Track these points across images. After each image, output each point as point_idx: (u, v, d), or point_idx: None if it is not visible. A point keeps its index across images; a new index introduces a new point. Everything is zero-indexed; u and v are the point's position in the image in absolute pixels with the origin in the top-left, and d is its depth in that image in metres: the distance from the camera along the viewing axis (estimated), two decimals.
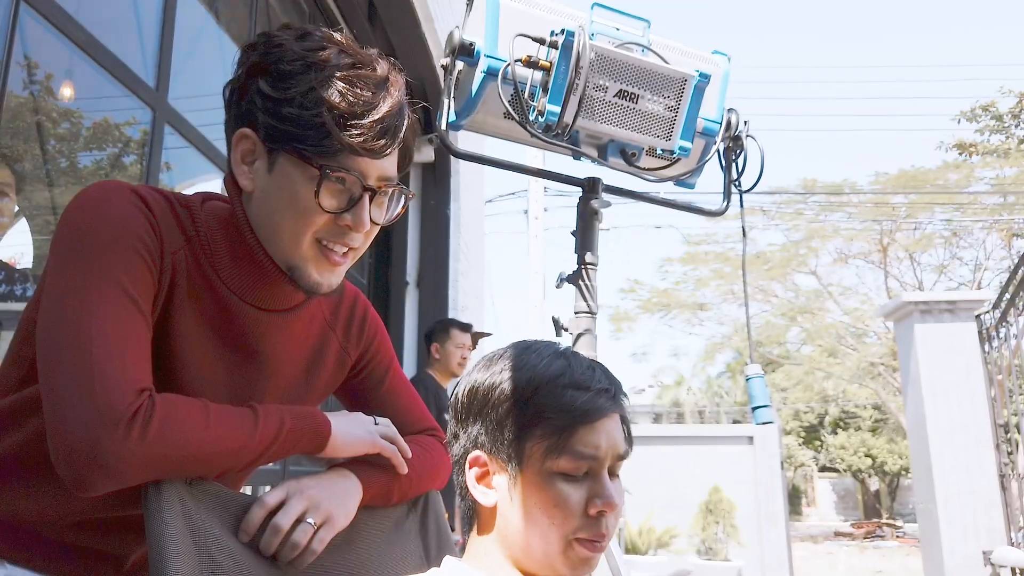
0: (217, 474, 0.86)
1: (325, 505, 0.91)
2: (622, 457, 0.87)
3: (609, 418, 0.85)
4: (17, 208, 1.97)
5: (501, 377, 0.87)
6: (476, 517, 0.89)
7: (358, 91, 0.88)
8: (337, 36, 0.93)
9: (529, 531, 0.83)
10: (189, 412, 0.82)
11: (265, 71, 0.89)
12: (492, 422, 0.86)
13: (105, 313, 0.81)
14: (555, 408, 0.83)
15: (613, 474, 0.87)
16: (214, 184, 2.77)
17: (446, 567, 0.87)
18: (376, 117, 0.88)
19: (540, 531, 0.82)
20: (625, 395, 0.90)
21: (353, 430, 0.97)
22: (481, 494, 0.87)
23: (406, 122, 0.92)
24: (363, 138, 0.87)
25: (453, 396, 0.93)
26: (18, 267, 2.00)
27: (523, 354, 0.88)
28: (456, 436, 0.90)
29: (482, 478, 0.87)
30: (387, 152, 0.90)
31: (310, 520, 0.89)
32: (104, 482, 0.77)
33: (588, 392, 0.84)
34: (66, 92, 2.01)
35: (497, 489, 0.86)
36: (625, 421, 0.89)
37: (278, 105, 0.88)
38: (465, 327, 3.74)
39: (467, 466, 0.88)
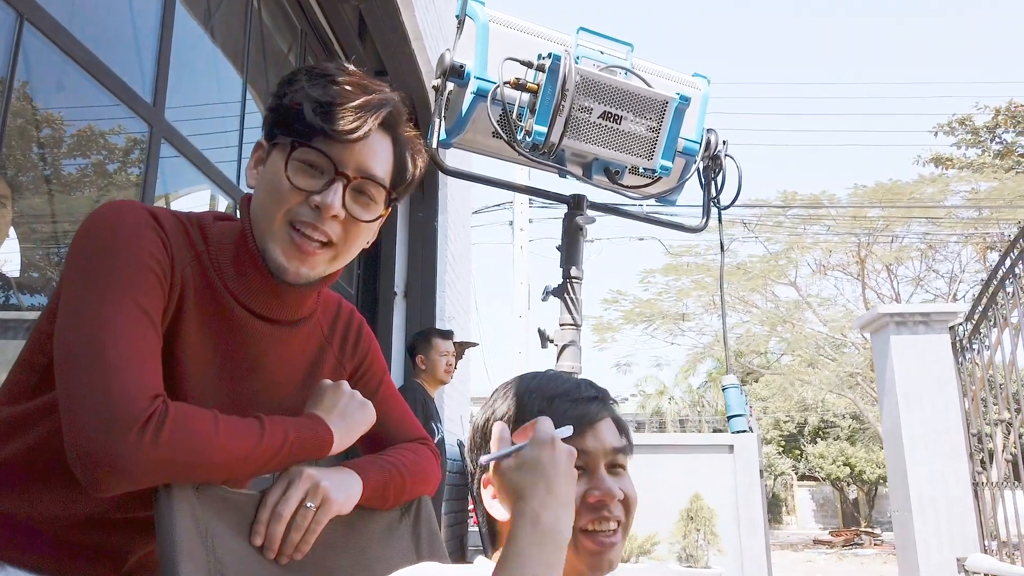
0: (223, 480, 0.90)
1: (324, 485, 0.94)
2: (619, 451, 0.95)
3: (601, 422, 0.94)
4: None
5: (498, 403, 0.97)
6: (498, 534, 0.96)
7: (344, 90, 0.95)
8: (350, 66, 1.01)
9: None
10: (200, 419, 0.86)
11: (279, 86, 1.00)
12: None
13: (120, 324, 0.85)
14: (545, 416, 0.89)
15: (616, 467, 0.95)
16: (206, 195, 2.81)
17: (478, 564, 0.93)
18: (348, 105, 0.94)
19: None
20: (614, 400, 1.00)
21: (351, 434, 1.02)
22: (496, 510, 0.93)
23: (381, 115, 0.96)
24: (332, 120, 0.93)
25: (472, 425, 1.01)
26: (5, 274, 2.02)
27: (515, 380, 0.99)
28: (473, 464, 0.98)
29: (496, 495, 0.93)
30: (356, 135, 0.94)
31: (309, 504, 0.94)
32: (117, 483, 0.80)
33: (575, 401, 0.94)
34: (64, 108, 2.04)
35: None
36: (619, 422, 0.97)
37: (275, 105, 0.98)
38: (446, 334, 3.79)
39: (482, 488, 0.95)
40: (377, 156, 0.98)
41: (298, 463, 0.96)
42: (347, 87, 0.95)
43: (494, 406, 0.97)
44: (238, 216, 1.05)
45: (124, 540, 1.02)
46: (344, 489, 0.97)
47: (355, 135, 0.94)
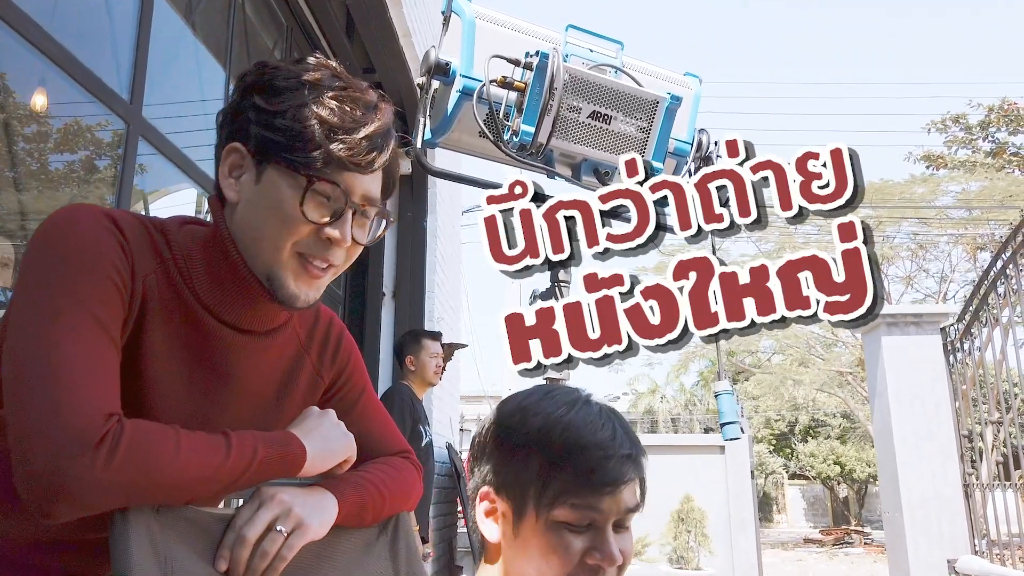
0: (186, 502, 0.85)
1: (297, 511, 0.89)
2: (632, 511, 0.88)
3: (628, 483, 0.86)
4: None
5: (514, 420, 0.90)
6: (484, 548, 0.93)
7: (348, 109, 0.90)
8: (332, 63, 0.96)
9: (528, 572, 0.86)
10: (158, 438, 0.80)
11: (260, 89, 0.92)
12: (501, 463, 0.90)
13: (73, 338, 0.80)
14: (568, 463, 0.84)
15: (621, 527, 0.88)
16: (188, 195, 2.75)
17: None
18: (364, 133, 0.90)
19: (538, 573, 0.85)
20: (644, 455, 0.90)
21: (326, 458, 0.97)
22: (487, 529, 0.91)
23: (391, 145, 0.94)
24: (351, 151, 0.89)
25: (475, 432, 0.97)
26: None
27: (541, 400, 0.91)
28: (472, 471, 0.95)
29: (490, 513, 0.91)
30: (374, 167, 0.92)
31: (280, 528, 0.88)
32: (66, 509, 0.75)
33: (608, 458, 0.85)
34: (39, 105, 1.98)
35: (501, 526, 0.90)
36: (643, 482, 0.90)
37: (271, 117, 0.90)
38: (435, 335, 3.74)
39: (477, 500, 0.92)
40: (378, 178, 0.96)
41: (269, 481, 0.91)
42: (347, 106, 0.91)
43: (509, 423, 0.90)
44: (205, 218, 0.99)
45: (88, 562, 0.98)
46: (318, 512, 0.92)
47: (373, 168, 0.92)
